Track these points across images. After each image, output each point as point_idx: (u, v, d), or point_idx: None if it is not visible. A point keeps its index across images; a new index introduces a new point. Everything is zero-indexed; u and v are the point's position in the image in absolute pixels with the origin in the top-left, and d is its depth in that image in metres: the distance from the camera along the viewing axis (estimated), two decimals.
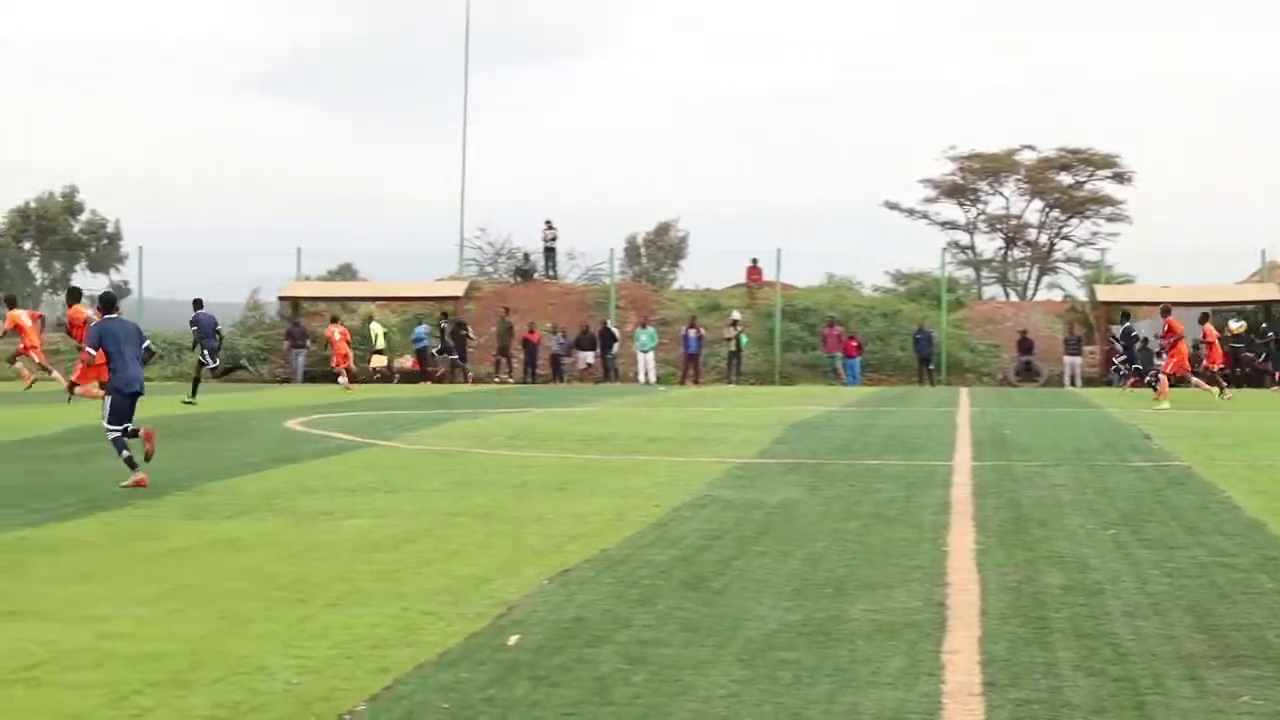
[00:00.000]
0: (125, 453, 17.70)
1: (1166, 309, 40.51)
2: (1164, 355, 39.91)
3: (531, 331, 57.88)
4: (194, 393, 36.50)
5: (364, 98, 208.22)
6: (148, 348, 18.86)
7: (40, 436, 24.61)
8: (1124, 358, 49.10)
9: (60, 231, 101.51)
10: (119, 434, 17.89)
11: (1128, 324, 47.58)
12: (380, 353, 56.48)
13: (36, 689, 7.63)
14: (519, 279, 67.23)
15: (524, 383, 55.95)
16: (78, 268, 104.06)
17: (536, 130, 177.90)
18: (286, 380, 55.60)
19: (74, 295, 36.41)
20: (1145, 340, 47.52)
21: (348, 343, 50.11)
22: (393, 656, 8.34)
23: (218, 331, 39.59)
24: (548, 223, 66.73)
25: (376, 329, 56.91)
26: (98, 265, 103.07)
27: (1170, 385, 38.37)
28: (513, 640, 8.73)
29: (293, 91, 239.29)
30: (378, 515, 14.73)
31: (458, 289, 61.31)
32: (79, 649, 8.54)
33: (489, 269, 70.58)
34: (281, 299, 62.58)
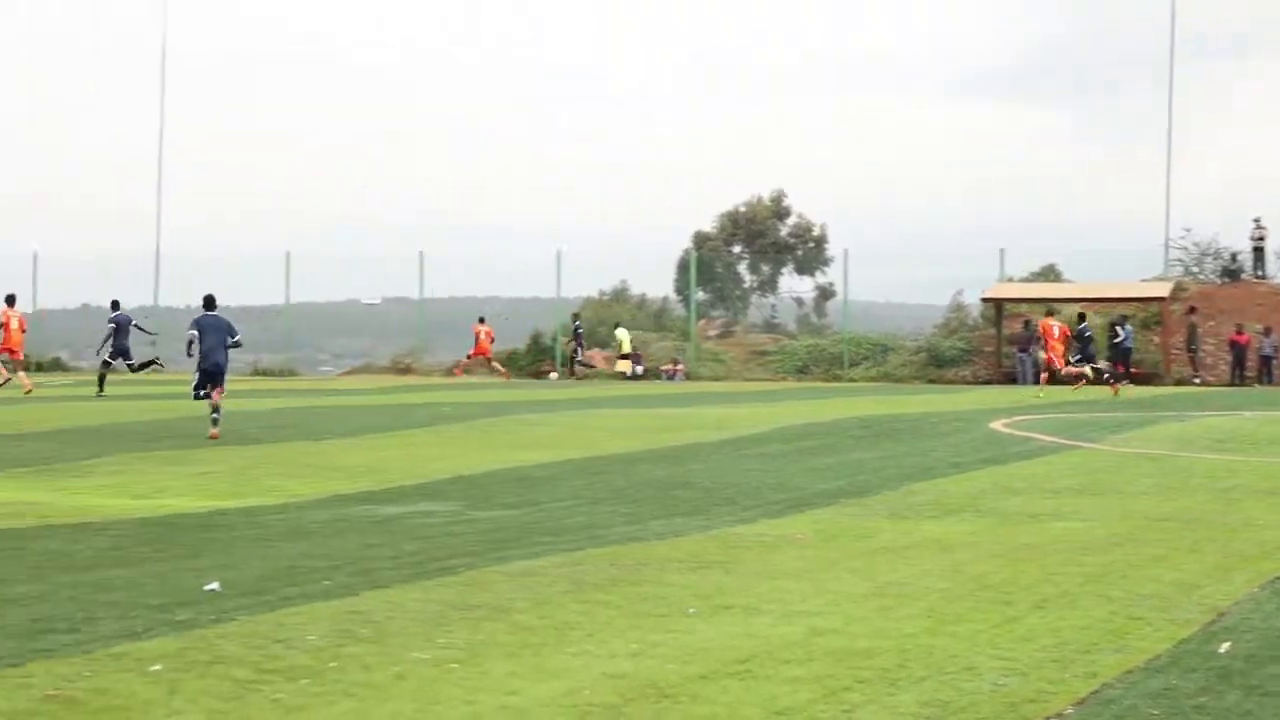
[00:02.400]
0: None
1: None
2: None
3: (1239, 333, 56.25)
4: (101, 387, 38.85)
5: (1079, 97, 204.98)
6: (236, 341, 25.45)
7: (741, 436, 25.32)
8: None
9: (768, 235, 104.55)
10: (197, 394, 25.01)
11: None
12: (625, 357, 59.87)
13: (749, 681, 7.90)
14: (1226, 279, 65.40)
15: (1231, 385, 54.50)
16: (784, 270, 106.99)
17: (1248, 125, 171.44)
18: (1006, 380, 56.09)
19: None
20: None
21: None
22: (1101, 661, 8.28)
23: (138, 328, 41.77)
24: (1256, 220, 64.67)
25: (622, 334, 60.76)
26: (804, 268, 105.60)
27: None
28: (1224, 648, 8.54)
29: (1007, 93, 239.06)
30: (1083, 518, 14.62)
31: (1163, 290, 59.96)
32: (789, 644, 8.79)
33: (1194, 269, 69.02)
34: (984, 300, 62.75)
